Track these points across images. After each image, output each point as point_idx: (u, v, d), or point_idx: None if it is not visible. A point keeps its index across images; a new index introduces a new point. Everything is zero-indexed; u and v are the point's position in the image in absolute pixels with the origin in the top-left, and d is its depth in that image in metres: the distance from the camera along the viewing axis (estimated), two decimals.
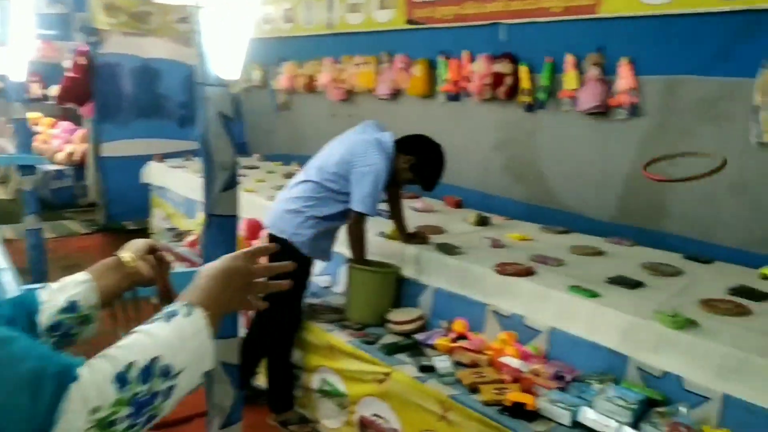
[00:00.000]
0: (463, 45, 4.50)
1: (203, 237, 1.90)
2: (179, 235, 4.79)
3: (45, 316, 1.08)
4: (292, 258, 1.25)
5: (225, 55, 1.75)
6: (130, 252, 1.23)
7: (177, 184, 5.56)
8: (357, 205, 3.06)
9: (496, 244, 3.35)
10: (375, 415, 2.82)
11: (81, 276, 1.15)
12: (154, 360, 0.83)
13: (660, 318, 2.34)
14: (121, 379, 0.79)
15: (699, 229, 3.42)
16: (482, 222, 3.83)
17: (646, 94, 3.55)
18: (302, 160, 5.74)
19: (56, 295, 1.10)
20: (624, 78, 3.58)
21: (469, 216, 3.90)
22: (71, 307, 1.11)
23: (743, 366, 2.09)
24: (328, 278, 3.73)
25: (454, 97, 4.62)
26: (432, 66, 4.76)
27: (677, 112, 3.45)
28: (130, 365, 0.81)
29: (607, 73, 3.68)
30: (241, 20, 1.73)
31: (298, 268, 3.11)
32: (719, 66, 3.21)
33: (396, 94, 5.14)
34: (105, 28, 6.37)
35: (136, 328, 0.89)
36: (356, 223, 3.14)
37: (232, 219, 1.86)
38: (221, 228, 1.85)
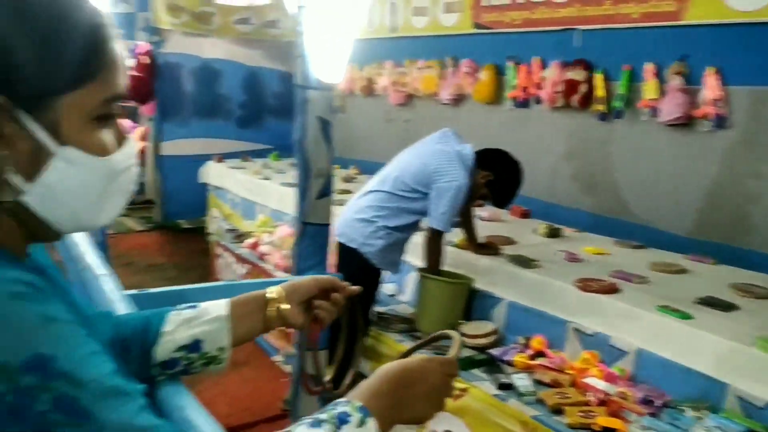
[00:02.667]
0: (533, 51, 4.39)
1: (295, 246, 1.84)
2: (239, 237, 4.78)
3: (162, 350, 0.97)
4: (360, 267, 1.13)
5: (327, 57, 1.68)
6: (283, 293, 1.05)
7: (235, 185, 5.56)
8: (434, 221, 2.97)
9: (572, 258, 3.23)
10: (448, 431, 2.73)
11: (218, 310, 1.00)
12: None
13: (763, 345, 2.20)
14: None
15: None
16: (553, 234, 3.71)
17: (734, 106, 3.39)
18: (357, 164, 5.75)
19: (182, 329, 0.98)
20: (710, 88, 3.42)
21: (539, 227, 3.79)
22: (195, 346, 0.98)
23: None
24: (394, 286, 3.65)
25: (522, 103, 4.51)
26: (499, 71, 4.65)
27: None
28: None
29: (691, 82, 3.53)
30: (345, 20, 1.67)
31: (367, 279, 3.05)
32: None
33: (458, 99, 5.05)
34: (167, 28, 6.43)
35: (301, 423, 0.75)
36: (433, 239, 3.06)
37: (325, 228, 1.80)
38: (315, 237, 1.79)
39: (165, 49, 6.47)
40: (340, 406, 0.77)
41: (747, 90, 3.34)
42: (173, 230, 6.82)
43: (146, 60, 6.31)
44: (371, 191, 3.20)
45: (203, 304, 1.01)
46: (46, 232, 0.71)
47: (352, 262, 2.98)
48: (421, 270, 3.17)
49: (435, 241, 3.06)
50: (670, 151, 3.71)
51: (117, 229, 6.72)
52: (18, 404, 0.56)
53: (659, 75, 3.65)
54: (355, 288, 1.12)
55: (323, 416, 0.75)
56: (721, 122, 3.42)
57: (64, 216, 0.70)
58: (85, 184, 0.70)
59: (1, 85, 0.63)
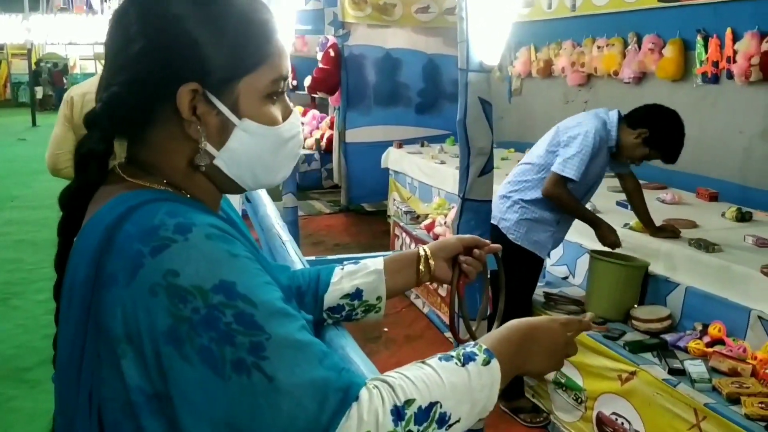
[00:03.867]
0: (725, 22, 4.09)
1: (456, 221, 1.95)
2: (416, 218, 4.98)
3: (330, 297, 1.15)
4: (506, 248, 1.18)
5: (487, 40, 1.76)
6: (433, 250, 1.19)
7: (413, 170, 5.78)
8: (557, 166, 2.93)
9: (762, 243, 3.01)
10: (615, 413, 2.70)
11: (375, 264, 1.17)
12: (434, 404, 0.79)
13: None
14: (398, 413, 0.76)
15: None
16: (743, 217, 3.46)
17: None
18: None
19: (346, 280, 1.15)
20: None
21: (727, 210, 3.55)
22: (356, 294, 1.15)
23: None
24: (564, 269, 3.64)
25: (712, 79, 4.22)
26: (687, 46, 4.39)
27: None
28: (409, 402, 0.77)
29: None
30: (505, 4, 1.74)
31: (522, 263, 3.01)
32: None
33: (641, 77, 4.83)
34: (353, 21, 6.80)
35: (429, 361, 0.84)
36: (554, 186, 2.95)
37: (487, 204, 1.89)
38: (476, 212, 1.88)
39: (350, 41, 6.85)
40: (469, 347, 0.87)
41: None
42: (357, 213, 7.24)
43: (333, 53, 6.72)
44: (516, 167, 3.23)
45: (364, 261, 1.19)
46: (233, 189, 0.90)
47: (497, 240, 3.01)
48: (593, 252, 3.14)
49: (556, 190, 2.96)
50: None
51: (307, 212, 7.28)
52: (210, 316, 0.72)
53: None
54: (495, 246, 1.23)
55: (453, 353, 0.85)
56: None
57: (247, 175, 0.88)
58: (261, 148, 0.86)
59: (196, 74, 0.81)
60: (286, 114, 0.90)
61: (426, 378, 0.80)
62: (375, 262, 1.17)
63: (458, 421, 0.81)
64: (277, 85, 0.86)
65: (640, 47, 4.74)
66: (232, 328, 0.72)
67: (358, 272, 1.16)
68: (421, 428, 0.77)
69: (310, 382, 0.73)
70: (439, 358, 0.84)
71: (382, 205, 6.72)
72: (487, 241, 1.22)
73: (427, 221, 4.71)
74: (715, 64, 4.16)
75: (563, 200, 3.01)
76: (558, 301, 3.23)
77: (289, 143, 0.90)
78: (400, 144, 6.36)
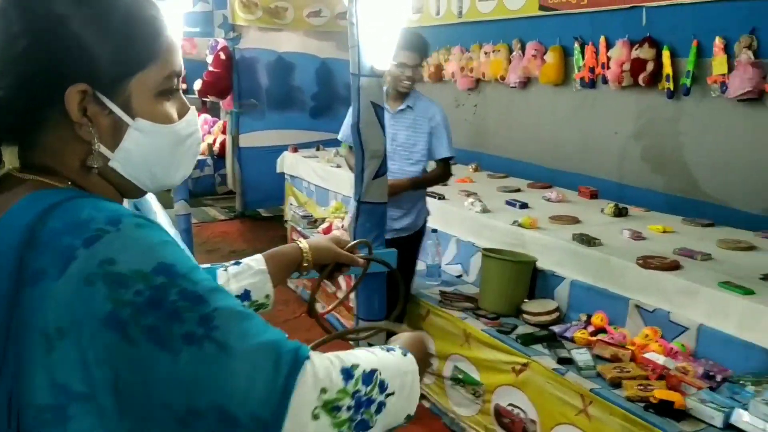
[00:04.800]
0: (599, 30, 4.36)
1: (352, 223, 1.97)
2: (313, 222, 4.97)
3: None
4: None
5: (378, 45, 1.80)
6: (313, 254, 1.26)
7: (309, 174, 5.77)
8: None
9: (637, 237, 3.24)
10: (511, 404, 2.81)
11: (257, 263, 1.20)
12: (375, 371, 0.86)
13: None
14: (347, 373, 0.82)
15: None
16: (620, 213, 3.71)
17: None
18: None
19: (233, 282, 1.17)
20: None
21: (606, 207, 3.78)
22: (245, 296, 1.17)
23: None
24: (459, 267, 3.75)
25: (589, 84, 4.49)
26: (566, 53, 4.64)
27: None
28: (355, 365, 0.84)
29: (760, 56, 3.44)
30: (395, 10, 1.78)
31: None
32: None
33: (526, 82, 5.06)
34: (243, 24, 6.70)
35: (359, 348, 0.93)
36: None
37: (381, 206, 1.92)
38: (372, 215, 1.91)
39: (241, 44, 6.75)
40: (386, 346, 0.97)
41: None
42: (253, 219, 7.14)
43: (224, 56, 6.60)
44: None
45: (244, 261, 1.21)
46: (133, 191, 0.89)
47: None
48: (484, 250, 3.25)
49: None
50: (741, 127, 3.62)
51: (201, 219, 7.09)
52: (154, 297, 0.72)
53: (728, 50, 3.57)
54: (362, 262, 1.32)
55: (374, 347, 0.95)
56: None
57: (144, 175, 0.87)
58: (157, 148, 0.85)
59: (83, 74, 0.79)
60: (183, 111, 0.89)
61: (361, 352, 0.89)
62: (257, 261, 1.20)
63: (393, 393, 0.88)
64: (169, 81, 0.85)
65: (524, 53, 4.96)
66: (178, 306, 0.73)
67: (243, 273, 1.18)
68: (366, 389, 0.84)
69: (262, 345, 0.76)
70: (365, 350, 0.92)
71: (279, 210, 6.66)
72: (362, 261, 1.29)
73: (325, 225, 4.71)
74: (592, 69, 4.43)
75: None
76: (453, 299, 3.32)
77: (187, 141, 0.89)
78: (295, 148, 6.32)
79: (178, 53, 0.88)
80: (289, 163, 6.24)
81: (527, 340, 2.84)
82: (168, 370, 0.72)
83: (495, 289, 3.19)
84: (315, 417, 0.78)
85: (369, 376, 0.85)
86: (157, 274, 0.74)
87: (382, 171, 1.88)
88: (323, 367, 0.80)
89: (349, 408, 0.82)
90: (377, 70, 1.82)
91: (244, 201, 7.04)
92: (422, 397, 3.29)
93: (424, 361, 1.01)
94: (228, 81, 6.70)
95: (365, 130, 1.86)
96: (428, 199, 3.56)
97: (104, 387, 0.72)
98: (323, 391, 0.79)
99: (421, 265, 3.64)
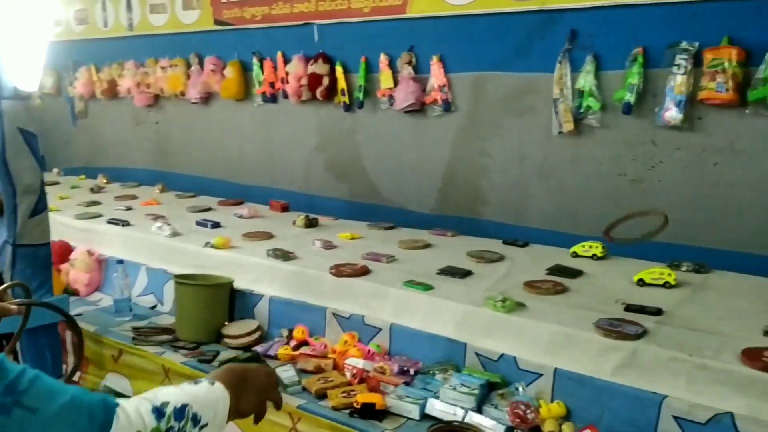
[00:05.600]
0: (275, 46, 4.44)
1: (8, 271, 1.67)
2: None
3: None
4: None
5: (21, 64, 1.54)
6: None
7: None
8: None
9: (328, 246, 3.34)
10: None
11: None
12: (185, 405, 0.92)
13: (491, 304, 2.46)
14: (158, 412, 0.87)
15: (513, 215, 3.66)
16: (311, 224, 3.80)
17: (457, 91, 3.72)
18: (107, 172, 5.40)
19: None
20: (435, 76, 3.73)
21: (297, 219, 3.85)
22: None
23: (568, 340, 2.26)
24: (151, 297, 3.49)
25: (270, 99, 4.54)
26: (245, 67, 4.64)
27: (486, 107, 3.65)
28: (165, 403, 0.89)
29: (421, 71, 3.81)
30: (36, 25, 1.54)
31: None
32: (521, 62, 3.45)
33: (207, 98, 4.95)
34: None
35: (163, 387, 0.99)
36: None
37: (44, 247, 1.66)
38: (33, 258, 1.63)
39: None
40: (192, 381, 1.04)
41: (466, 76, 3.68)
42: None
43: None
44: None
45: None
46: None
47: None
48: (176, 277, 3.07)
49: None
50: (409, 136, 3.97)
51: None
52: None
53: (392, 65, 3.89)
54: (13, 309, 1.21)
55: (183, 383, 1.01)
56: (447, 107, 3.74)
57: None
58: None
59: None
60: None
61: (169, 389, 0.96)
62: None
63: (206, 425, 0.95)
64: None
65: (203, 68, 4.84)
66: None
67: None
68: (180, 425, 0.90)
69: (71, 402, 0.80)
70: (171, 387, 0.99)
71: None
72: (14, 308, 1.18)
73: None
74: (272, 84, 4.49)
75: None
76: (148, 334, 3.07)
77: None
78: None
79: None
80: None
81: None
82: None
83: (192, 316, 3.03)
84: None
85: (180, 412, 0.91)
86: None
87: (40, 207, 1.62)
88: (134, 410, 0.84)
89: None
90: (23, 91, 1.56)
91: None
92: None
93: (241, 385, 1.06)
94: None
95: (14, 161, 1.58)
96: (108, 226, 3.26)
97: None
98: None
99: (107, 301, 3.32)
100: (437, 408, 2.27)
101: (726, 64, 2.80)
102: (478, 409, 2.24)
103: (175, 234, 3.54)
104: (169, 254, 3.41)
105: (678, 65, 2.95)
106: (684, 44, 2.93)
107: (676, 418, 1.96)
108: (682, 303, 2.48)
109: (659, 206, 3.09)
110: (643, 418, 2.02)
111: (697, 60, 2.91)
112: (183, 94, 4.98)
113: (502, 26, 3.48)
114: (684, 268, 2.84)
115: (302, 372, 2.64)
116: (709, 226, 3.04)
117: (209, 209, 4.27)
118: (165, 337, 3.05)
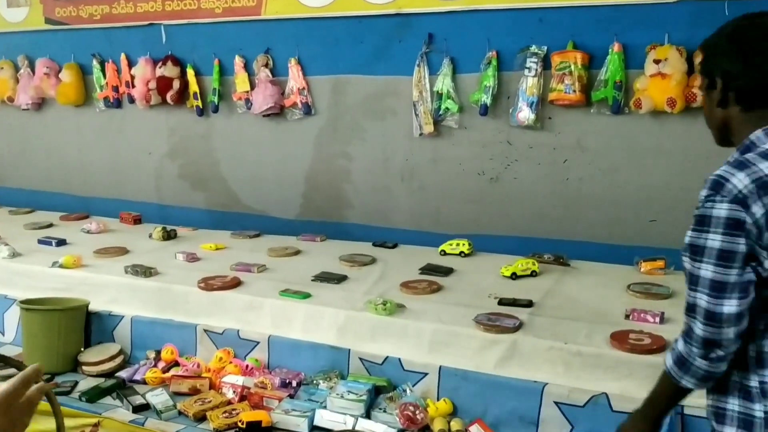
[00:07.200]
0: (118, 47, 4.16)
1: None
2: None
3: None
4: None
5: None
6: None
7: None
8: None
9: (192, 258, 3.18)
10: None
11: None
12: None
13: (372, 308, 2.45)
14: None
15: (378, 217, 3.68)
16: (169, 236, 3.59)
17: (317, 94, 3.68)
18: None
19: None
20: (294, 79, 3.66)
21: (153, 231, 3.62)
22: None
23: (450, 338, 2.31)
24: None
25: (114, 104, 4.23)
26: (84, 71, 4.29)
27: (347, 110, 3.64)
28: None
29: (279, 74, 3.73)
30: None
31: None
32: (380, 65, 3.48)
33: (41, 103, 4.53)
34: None
35: None
36: None
37: None
38: None
39: None
40: None
41: (326, 78, 3.65)
42: None
43: None
44: None
45: None
46: None
47: None
48: (21, 302, 2.76)
49: None
50: (269, 140, 3.87)
51: None
52: None
53: (248, 68, 3.77)
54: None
55: None
56: (308, 110, 3.69)
57: None
58: None
59: None
60: None
61: None
62: None
63: None
64: None
65: (34, 71, 4.41)
66: None
67: None
68: None
69: None
70: None
71: None
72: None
73: None
74: (116, 88, 4.19)
75: None
76: None
77: None
78: None
79: None
80: None
81: (93, 396, 2.50)
82: None
83: (42, 345, 2.74)
84: None
85: None
86: None
87: None
88: None
89: None
90: None
91: None
92: None
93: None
94: None
95: None
96: None
97: None
98: None
99: None
100: (326, 418, 2.22)
101: (572, 67, 3.00)
102: (368, 415, 2.22)
103: (14, 255, 3.20)
104: (9, 277, 3.08)
105: (529, 68, 3.12)
106: (534, 48, 3.11)
107: (557, 403, 2.06)
108: (550, 294, 2.62)
109: (516, 202, 3.27)
110: (527, 406, 2.11)
111: (546, 63, 3.10)
112: (11, 99, 4.51)
113: (360, 29, 3.50)
114: (546, 258, 3.00)
115: (176, 395, 2.47)
116: (564, 219, 3.24)
117: (51, 225, 3.91)
118: (11, 370, 2.71)
